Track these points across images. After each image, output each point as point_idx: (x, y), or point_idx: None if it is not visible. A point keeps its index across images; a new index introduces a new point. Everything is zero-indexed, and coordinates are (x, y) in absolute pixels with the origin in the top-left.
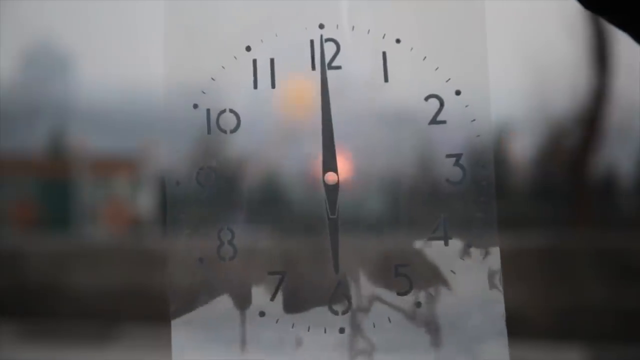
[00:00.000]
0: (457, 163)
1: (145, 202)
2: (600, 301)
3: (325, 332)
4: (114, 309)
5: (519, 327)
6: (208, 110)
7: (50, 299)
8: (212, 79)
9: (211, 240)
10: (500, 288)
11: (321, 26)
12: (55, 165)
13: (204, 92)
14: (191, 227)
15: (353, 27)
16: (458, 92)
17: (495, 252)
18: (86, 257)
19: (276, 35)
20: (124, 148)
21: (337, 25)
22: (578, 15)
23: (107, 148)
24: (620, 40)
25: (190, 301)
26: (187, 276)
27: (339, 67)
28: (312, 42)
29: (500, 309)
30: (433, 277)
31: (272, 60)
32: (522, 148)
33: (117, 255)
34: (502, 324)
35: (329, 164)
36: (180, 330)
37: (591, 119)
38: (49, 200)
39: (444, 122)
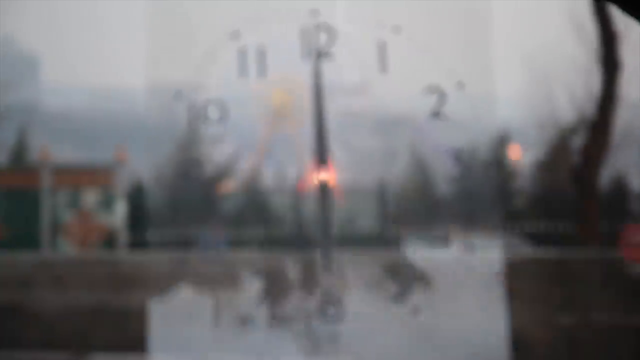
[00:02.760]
0: (458, 160)
1: (117, 215)
2: (605, 314)
3: (314, 337)
4: (84, 336)
5: (520, 340)
6: (192, 101)
7: (12, 325)
8: (198, 67)
9: (193, 241)
10: (503, 296)
11: (314, 12)
12: (19, 176)
13: (188, 82)
14: (172, 226)
15: (349, 14)
16: (461, 85)
17: (499, 256)
18: (52, 276)
19: (266, 22)
20: (95, 157)
21: (332, 12)
22: (586, 16)
23: (77, 157)
24: (629, 44)
25: (170, 305)
26: (167, 279)
27: (332, 57)
28: (304, 29)
29: (502, 318)
30: (431, 283)
31: (261, 48)
32: (525, 152)
33: (85, 274)
34: (503, 334)
35: (321, 160)
36: (158, 335)
37: (598, 123)
38: (10, 214)
39: (445, 116)
